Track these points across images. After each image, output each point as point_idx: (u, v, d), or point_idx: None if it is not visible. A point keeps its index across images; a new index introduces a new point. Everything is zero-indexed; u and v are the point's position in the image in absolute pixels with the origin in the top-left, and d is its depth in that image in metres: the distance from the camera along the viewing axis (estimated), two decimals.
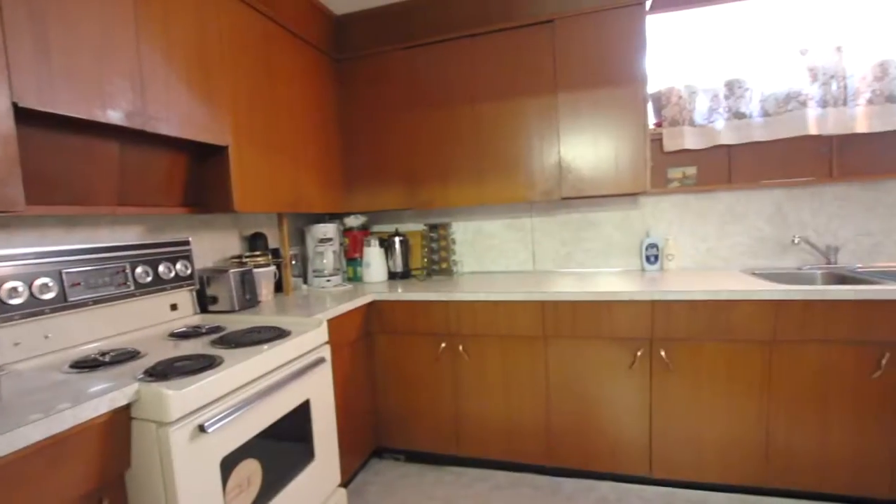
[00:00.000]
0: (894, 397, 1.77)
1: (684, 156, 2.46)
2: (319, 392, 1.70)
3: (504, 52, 2.37)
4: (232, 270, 1.98)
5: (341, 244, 2.78)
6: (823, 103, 2.20)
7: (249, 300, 2.06)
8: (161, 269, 1.75)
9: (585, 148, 2.29)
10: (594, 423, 2.10)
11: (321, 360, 1.66)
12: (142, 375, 1.21)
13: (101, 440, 1.04)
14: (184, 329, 1.74)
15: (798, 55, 2.23)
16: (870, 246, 2.30)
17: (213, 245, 2.20)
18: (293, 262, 2.59)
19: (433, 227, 2.76)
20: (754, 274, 2.22)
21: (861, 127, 2.16)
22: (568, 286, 2.15)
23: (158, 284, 1.74)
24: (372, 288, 2.47)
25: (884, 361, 1.76)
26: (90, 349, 1.48)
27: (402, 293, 2.28)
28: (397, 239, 2.76)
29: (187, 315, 1.90)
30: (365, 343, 2.32)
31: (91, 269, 1.52)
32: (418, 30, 2.48)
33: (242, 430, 1.32)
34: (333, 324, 1.95)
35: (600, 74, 2.23)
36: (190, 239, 1.91)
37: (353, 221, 2.81)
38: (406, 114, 2.56)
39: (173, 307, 1.83)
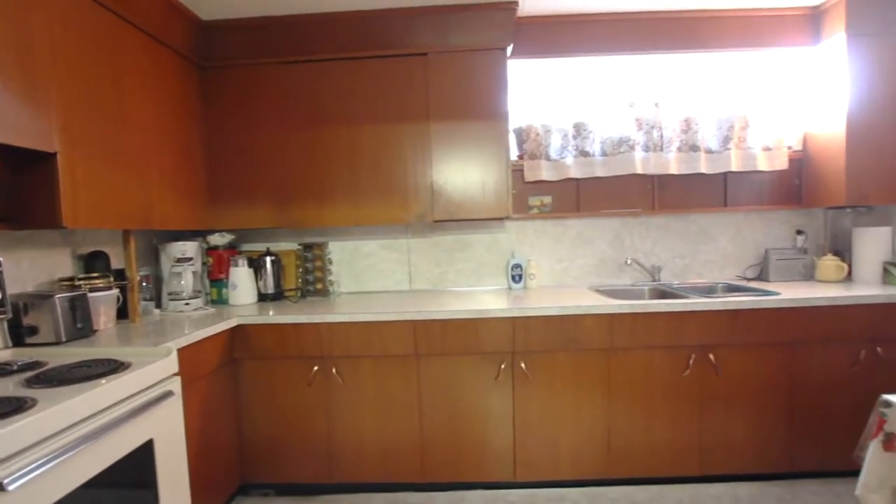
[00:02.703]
0: (699, 391, 2.16)
1: (542, 186, 2.76)
2: (166, 430, 1.53)
3: (382, 78, 2.44)
4: (58, 295, 1.70)
5: (204, 264, 2.56)
6: (646, 148, 2.65)
7: (82, 329, 1.78)
8: None
9: (455, 175, 2.45)
10: (464, 436, 2.20)
11: (169, 394, 1.51)
12: None
13: None
14: None
15: (628, 107, 2.67)
16: (682, 266, 2.80)
17: (35, 266, 1.87)
18: (143, 285, 2.30)
19: (308, 247, 2.69)
20: (598, 291, 2.55)
21: (673, 169, 2.65)
22: (441, 305, 2.25)
23: None
24: (239, 311, 2.31)
25: (691, 361, 2.14)
26: None
27: (272, 316, 2.17)
28: (268, 259, 2.62)
29: None
30: (229, 371, 2.15)
31: None
32: (295, 46, 2.43)
33: (61, 482, 1.14)
34: (188, 352, 1.78)
35: (468, 107, 2.42)
36: (1, 259, 1.60)
37: (218, 240, 2.60)
38: (279, 129, 2.47)
39: None
